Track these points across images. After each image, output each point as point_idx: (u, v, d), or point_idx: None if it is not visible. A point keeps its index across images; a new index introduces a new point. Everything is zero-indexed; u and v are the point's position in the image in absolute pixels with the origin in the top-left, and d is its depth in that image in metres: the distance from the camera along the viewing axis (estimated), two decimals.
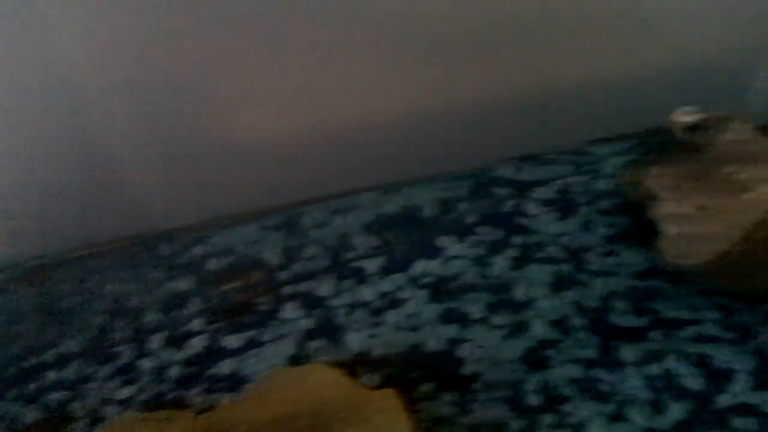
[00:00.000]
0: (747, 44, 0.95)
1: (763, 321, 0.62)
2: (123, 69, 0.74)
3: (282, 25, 0.77)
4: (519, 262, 0.70)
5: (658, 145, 0.76)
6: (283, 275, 0.72)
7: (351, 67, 0.83)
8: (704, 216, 0.64)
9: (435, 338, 0.64)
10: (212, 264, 0.75)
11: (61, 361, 0.68)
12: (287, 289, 0.71)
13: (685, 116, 0.74)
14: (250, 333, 0.67)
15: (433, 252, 0.72)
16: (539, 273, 0.69)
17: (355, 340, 0.65)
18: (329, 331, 0.66)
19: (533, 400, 0.59)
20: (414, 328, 0.66)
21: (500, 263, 0.70)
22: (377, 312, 0.67)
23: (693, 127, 0.76)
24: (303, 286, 0.71)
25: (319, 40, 0.78)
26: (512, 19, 0.84)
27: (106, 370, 0.67)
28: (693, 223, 0.64)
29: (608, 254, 0.70)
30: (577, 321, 0.64)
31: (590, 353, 0.61)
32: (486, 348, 0.63)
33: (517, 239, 0.73)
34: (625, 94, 0.93)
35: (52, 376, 0.67)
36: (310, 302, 0.69)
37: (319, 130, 0.88)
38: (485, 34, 0.85)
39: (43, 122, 0.75)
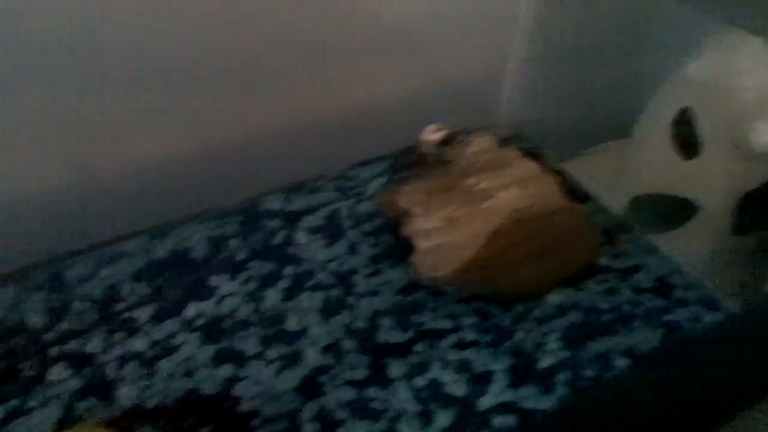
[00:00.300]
0: (492, 64, 1.01)
1: (515, 321, 0.67)
2: None
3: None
4: (291, 293, 0.71)
5: (410, 163, 0.79)
6: (49, 336, 0.69)
7: (109, 114, 0.81)
8: (451, 227, 0.68)
9: (210, 380, 0.64)
10: None
11: None
12: (54, 351, 0.68)
13: (432, 133, 0.78)
14: (13, 402, 0.63)
15: (206, 293, 0.72)
16: (310, 301, 0.70)
17: (127, 394, 0.64)
18: (100, 388, 0.64)
19: (310, 428, 0.59)
20: (189, 373, 0.65)
21: (272, 296, 0.71)
22: (150, 361, 0.66)
23: (442, 143, 0.80)
24: (70, 345, 0.68)
25: (65, 89, 0.75)
26: (271, 51, 0.85)
27: None
28: (441, 235, 0.67)
29: (373, 274, 0.72)
30: (348, 344, 0.66)
31: (362, 373, 0.63)
32: (262, 383, 0.64)
33: (289, 270, 0.74)
34: (382, 117, 0.96)
35: None
36: (79, 361, 0.67)
37: (78, 178, 0.85)
38: (245, 74, 0.86)
39: None
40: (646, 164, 0.87)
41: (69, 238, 0.81)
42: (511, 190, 0.69)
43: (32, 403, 0.63)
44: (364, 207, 0.79)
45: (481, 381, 0.61)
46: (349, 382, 0.62)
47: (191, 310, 0.70)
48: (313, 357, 0.64)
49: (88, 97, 0.77)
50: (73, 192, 0.84)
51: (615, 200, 0.89)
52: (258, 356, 0.65)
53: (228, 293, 0.71)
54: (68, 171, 0.83)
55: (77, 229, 0.83)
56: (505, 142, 0.82)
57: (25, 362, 0.66)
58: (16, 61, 0.71)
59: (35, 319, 0.71)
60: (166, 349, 0.67)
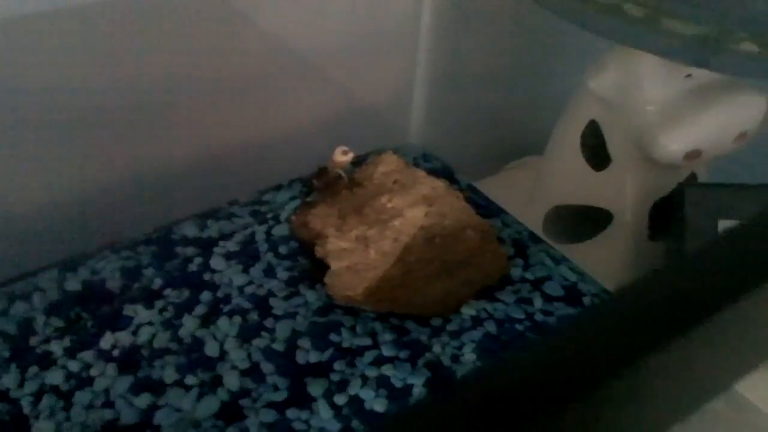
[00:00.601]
0: (399, 88, 1.04)
1: (431, 335, 0.68)
2: None
3: None
4: (208, 319, 0.71)
5: (321, 185, 0.80)
6: None
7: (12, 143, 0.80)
8: (362, 247, 0.69)
9: (129, 411, 0.64)
10: None
11: None
12: None
13: (341, 156, 0.79)
14: None
15: (122, 323, 0.72)
16: (228, 326, 0.70)
17: (44, 428, 0.62)
18: (16, 424, 0.63)
19: None
20: (107, 404, 0.65)
21: (189, 323, 0.71)
22: (67, 394, 0.65)
23: (352, 164, 0.81)
24: None
25: None
26: (180, 81, 0.85)
27: None
28: (353, 255, 0.69)
29: (290, 296, 0.73)
30: (267, 366, 0.66)
31: (282, 395, 0.64)
32: (182, 410, 0.63)
33: (206, 296, 0.74)
34: (296, 143, 0.97)
35: None
36: None
37: None
38: (153, 106, 0.86)
39: None
40: (561, 177, 0.90)
41: None
42: (419, 207, 0.71)
43: None
44: (279, 230, 0.80)
45: (400, 396, 0.62)
46: (270, 404, 0.62)
47: (107, 340, 0.69)
48: (233, 381, 0.65)
49: None
50: None
51: (532, 213, 0.92)
52: (177, 383, 0.65)
53: (144, 322, 0.71)
54: None
55: None
56: (413, 162, 0.84)
57: None
58: None
59: None
60: (83, 380, 0.66)
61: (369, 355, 0.66)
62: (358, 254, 0.68)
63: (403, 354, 0.66)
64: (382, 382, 0.64)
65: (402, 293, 0.68)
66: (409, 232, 0.68)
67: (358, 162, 0.83)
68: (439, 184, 0.73)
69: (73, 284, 0.77)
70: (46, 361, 0.69)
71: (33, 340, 0.71)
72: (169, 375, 0.66)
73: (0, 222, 0.84)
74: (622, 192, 0.88)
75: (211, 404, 0.63)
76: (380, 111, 1.02)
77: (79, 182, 0.88)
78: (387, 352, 0.66)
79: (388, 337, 0.68)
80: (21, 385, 0.67)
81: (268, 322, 0.70)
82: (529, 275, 0.74)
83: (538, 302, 0.71)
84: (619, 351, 0.27)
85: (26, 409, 0.64)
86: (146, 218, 0.86)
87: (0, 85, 0.73)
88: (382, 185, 0.76)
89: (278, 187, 0.88)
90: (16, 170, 0.80)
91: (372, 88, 1.00)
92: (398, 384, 0.63)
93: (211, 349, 0.68)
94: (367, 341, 0.67)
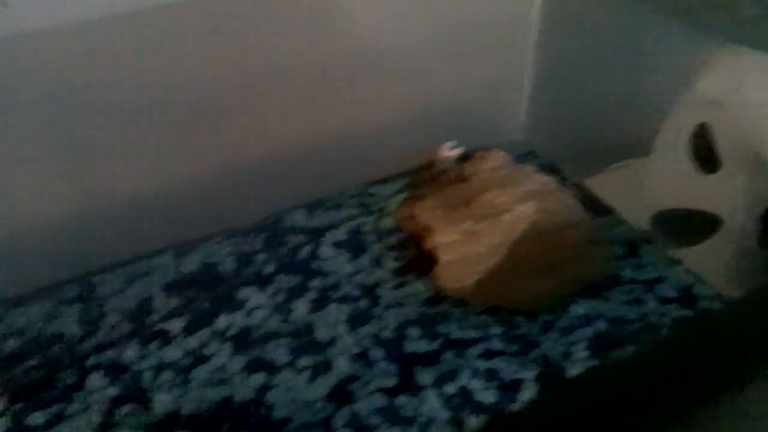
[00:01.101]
0: (503, 85, 1.03)
1: (541, 331, 0.68)
2: None
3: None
4: (318, 305, 0.72)
5: (429, 179, 0.81)
6: (85, 346, 0.71)
7: (138, 136, 0.82)
8: (471, 240, 0.69)
9: (243, 389, 0.65)
10: (10, 344, 0.71)
11: None
12: (91, 360, 0.69)
13: (448, 151, 0.79)
14: (55, 408, 0.65)
15: (235, 305, 0.73)
16: (338, 312, 0.71)
17: (163, 402, 0.65)
18: (136, 395, 0.66)
19: None
20: (222, 382, 0.66)
21: (300, 308, 0.72)
22: (184, 370, 0.67)
23: (458, 160, 0.82)
24: (106, 355, 0.70)
25: (99, 114, 0.77)
26: (287, 73, 0.87)
27: None
28: (462, 248, 0.69)
29: (398, 286, 0.73)
30: (376, 353, 0.67)
31: (391, 381, 0.64)
32: (294, 391, 0.65)
33: (315, 283, 0.75)
34: (400, 137, 0.98)
35: None
36: (115, 370, 0.68)
37: (109, 200, 0.86)
38: (266, 93, 0.88)
39: None
40: (667, 180, 0.88)
41: (97, 255, 0.82)
42: (528, 203, 0.71)
43: (73, 409, 0.64)
44: (386, 222, 0.81)
45: (510, 389, 0.62)
46: (380, 390, 0.63)
47: (222, 321, 0.71)
48: (342, 366, 0.65)
49: (112, 124, 0.79)
50: (99, 212, 0.85)
51: (637, 215, 0.90)
52: (289, 365, 0.66)
53: (257, 305, 0.72)
54: (93, 193, 0.84)
55: (105, 247, 0.84)
56: (520, 159, 0.84)
57: (64, 371, 0.67)
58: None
59: (72, 330, 0.72)
60: (199, 358, 0.68)
61: (478, 348, 0.66)
62: (467, 247, 0.69)
63: (512, 348, 0.66)
64: (492, 374, 0.64)
65: (509, 288, 0.68)
66: (519, 227, 0.68)
67: (463, 157, 0.83)
68: (549, 181, 0.73)
69: (189, 266, 0.79)
70: (165, 338, 0.71)
71: (152, 318, 0.73)
72: (281, 357, 0.68)
73: (119, 206, 0.87)
74: (732, 197, 0.86)
75: (321, 386, 0.65)
76: (485, 107, 1.02)
77: (192, 171, 0.91)
78: (496, 345, 0.66)
79: (496, 330, 0.68)
80: (141, 359, 0.69)
81: (377, 311, 0.71)
82: (640, 276, 0.73)
83: (651, 303, 0.70)
84: (737, 364, 0.26)
85: (146, 383, 0.67)
86: (257, 207, 0.88)
87: (121, 83, 0.75)
88: (490, 181, 0.76)
89: (384, 180, 0.88)
90: (137, 159, 0.83)
91: (478, 84, 1.00)
92: (508, 377, 0.63)
93: (321, 334, 0.69)
94: (476, 334, 0.67)
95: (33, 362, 0.69)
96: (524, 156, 0.88)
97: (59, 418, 0.63)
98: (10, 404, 0.64)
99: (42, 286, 0.78)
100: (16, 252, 0.79)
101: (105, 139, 0.78)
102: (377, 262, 0.75)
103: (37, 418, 0.63)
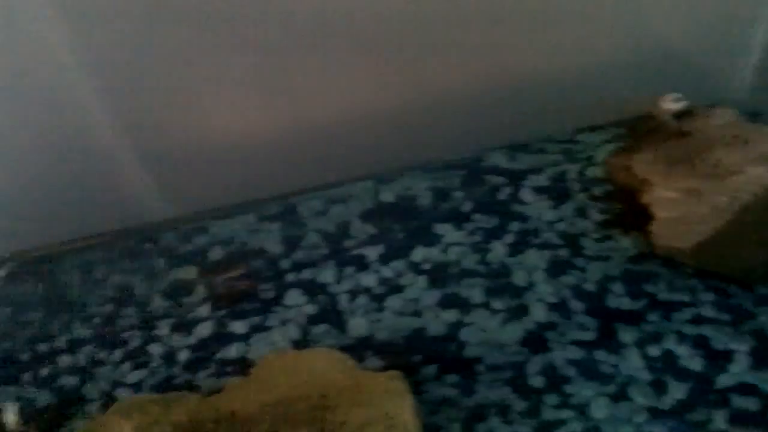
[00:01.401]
0: (733, 38, 0.95)
1: (759, 302, 0.63)
2: (113, 69, 0.74)
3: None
4: (517, 248, 0.71)
5: (647, 131, 0.76)
6: (285, 263, 0.72)
7: (341, 60, 0.82)
8: (693, 199, 0.64)
9: (436, 323, 0.65)
10: (214, 253, 0.74)
11: (73, 347, 0.67)
12: (289, 277, 0.71)
13: (671, 103, 0.74)
14: (255, 319, 0.67)
15: (432, 239, 0.73)
16: (537, 258, 0.69)
17: (358, 326, 0.66)
18: (332, 316, 0.67)
19: (536, 381, 0.59)
20: (415, 313, 0.66)
21: (498, 249, 0.71)
22: (379, 298, 0.68)
23: (680, 114, 0.76)
24: (305, 274, 0.71)
25: (302, 35, 0.77)
26: (500, 7, 0.84)
27: (116, 355, 0.66)
28: (683, 206, 0.64)
29: (603, 239, 0.70)
30: (575, 304, 0.64)
31: (590, 335, 0.62)
32: (487, 331, 0.64)
33: (514, 226, 0.73)
34: (607, 83, 0.93)
35: (64, 360, 0.66)
36: (312, 289, 0.69)
37: (310, 123, 0.87)
38: (475, 24, 0.85)
39: (42, 119, 0.75)
40: None
41: (298, 177, 0.84)
42: (761, 167, 0.65)
43: (270, 322, 0.66)
44: (593, 171, 0.77)
45: (719, 359, 0.58)
46: (577, 342, 0.61)
47: (418, 254, 0.71)
48: (539, 313, 0.64)
49: (318, 46, 0.79)
50: (302, 134, 0.86)
51: None
52: (483, 305, 0.65)
53: (454, 242, 0.72)
54: (296, 115, 0.85)
55: (306, 169, 0.85)
56: (751, 118, 0.77)
57: (265, 284, 0.69)
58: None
59: (273, 246, 0.74)
60: (394, 287, 0.68)
61: (686, 312, 0.62)
62: (688, 206, 0.64)
63: (724, 317, 0.61)
64: (701, 341, 0.60)
65: (730, 254, 0.63)
66: (749, 191, 0.63)
67: (686, 112, 0.78)
68: None
69: (386, 196, 0.79)
70: (361, 264, 0.71)
71: (349, 243, 0.74)
72: (476, 296, 0.67)
73: (322, 130, 0.88)
74: None
75: (516, 330, 0.63)
76: (708, 59, 0.95)
77: (394, 101, 0.90)
78: (707, 312, 0.62)
79: (708, 296, 0.63)
80: (338, 282, 0.69)
81: (579, 262, 0.68)
82: None
83: None
84: None
85: (342, 305, 0.67)
86: (457, 144, 0.86)
87: (329, 5, 0.75)
88: (715, 139, 0.71)
89: (593, 128, 0.84)
90: (340, 85, 0.83)
91: (704, 30, 0.92)
92: (718, 346, 0.59)
93: (518, 278, 0.67)
94: (685, 297, 0.63)
95: (235, 273, 0.71)
96: (756, 115, 0.81)
97: (258, 329, 0.65)
98: (214, 310, 0.67)
99: (244, 201, 0.80)
100: (220, 167, 0.82)
101: (309, 62, 0.78)
102: (581, 212, 0.72)
103: (239, 327, 0.65)
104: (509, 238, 0.71)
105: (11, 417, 0.61)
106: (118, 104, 0.75)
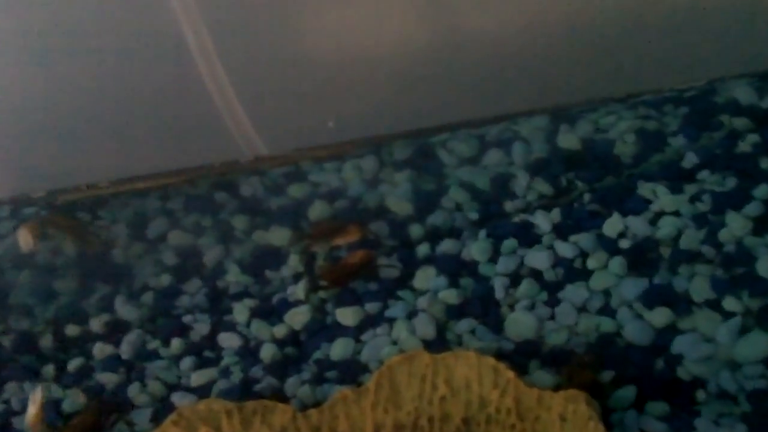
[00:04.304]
0: None
1: None
2: None
3: None
4: (764, 224, 0.69)
5: None
6: (416, 230, 0.74)
7: None
8: None
9: (637, 327, 0.65)
10: (315, 210, 0.76)
11: (114, 332, 0.70)
12: (422, 249, 0.72)
13: None
14: (371, 306, 0.68)
15: (634, 205, 0.73)
16: None
17: (520, 324, 0.66)
18: (483, 308, 0.67)
19: None
20: (606, 311, 0.66)
21: (735, 224, 0.70)
22: (552, 286, 0.68)
23: None
24: (444, 246, 0.72)
25: None
26: None
27: (174, 346, 0.68)
28: None
29: None
30: None
31: None
32: (714, 343, 0.63)
33: (761, 191, 0.71)
34: None
35: (101, 350, 0.69)
36: (455, 268, 0.70)
37: (457, 39, 0.87)
38: None
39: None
40: None
41: (438, 108, 0.84)
42: None
43: (393, 311, 0.68)
44: None
45: None
46: None
47: (613, 224, 0.71)
48: None
49: None
50: (444, 53, 0.86)
51: None
52: (710, 304, 0.64)
53: (667, 210, 0.71)
54: (446, 32, 0.85)
55: (450, 97, 0.85)
56: None
57: (387, 257, 0.71)
58: None
59: (399, 204, 0.75)
60: (575, 272, 0.68)
61: None
62: None
63: None
64: None
65: None
66: None
67: None
68: None
69: (567, 140, 0.79)
70: (528, 236, 0.72)
71: (509, 205, 0.74)
72: (700, 290, 0.66)
73: (476, 48, 0.88)
74: None
75: (759, 344, 0.62)
76: None
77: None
78: None
79: None
80: (493, 260, 0.70)
81: None
82: None
83: None
84: None
85: (498, 293, 0.68)
86: (674, 69, 0.84)
87: None
88: None
89: None
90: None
91: None
92: None
93: (765, 268, 0.65)
94: None
95: (344, 240, 0.73)
96: None
97: (375, 321, 0.68)
98: (312, 291, 0.68)
99: (360, 138, 0.80)
100: (329, 92, 0.83)
101: None
102: None
103: (347, 316, 0.68)
104: (753, 209, 0.70)
105: (31, 411, 0.63)
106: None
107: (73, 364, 0.69)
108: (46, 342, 0.71)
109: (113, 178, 0.79)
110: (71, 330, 0.71)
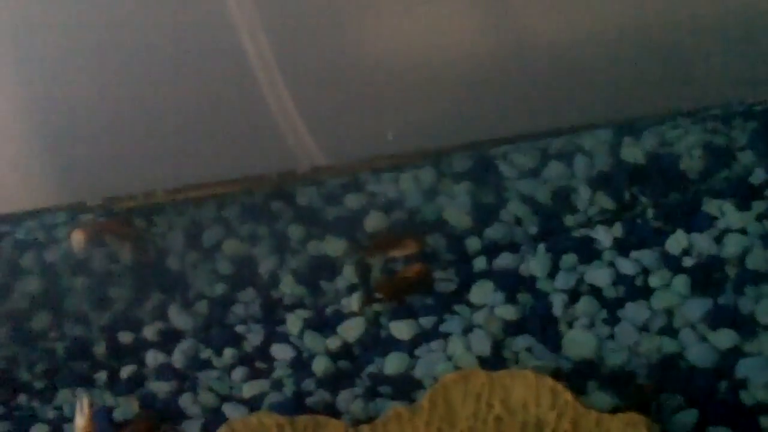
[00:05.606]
0: None
1: None
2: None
3: None
4: None
5: None
6: (473, 243, 0.73)
7: None
8: None
9: (701, 348, 0.63)
10: (372, 221, 0.75)
11: (167, 340, 0.70)
12: (479, 263, 0.71)
13: None
14: (426, 320, 0.68)
15: (697, 221, 0.71)
16: None
17: (579, 342, 0.65)
18: (541, 326, 0.67)
19: None
20: (669, 331, 0.65)
21: None
22: (613, 303, 0.67)
23: None
24: (502, 261, 0.71)
25: None
26: None
27: (226, 356, 0.68)
28: None
29: None
30: None
31: None
32: None
33: None
34: None
35: (154, 358, 0.69)
36: (513, 283, 0.69)
37: (522, 48, 0.86)
38: None
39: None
40: None
41: (498, 120, 0.83)
42: None
43: (448, 326, 0.68)
44: None
45: None
46: None
47: (677, 242, 0.70)
48: None
49: None
50: (507, 63, 0.85)
51: None
52: None
53: (735, 228, 0.70)
54: (506, 39, 0.84)
55: (513, 110, 0.84)
56: None
57: (443, 271, 0.71)
58: None
59: (457, 216, 0.75)
60: (638, 290, 0.67)
61: None
62: None
63: None
64: None
65: None
66: None
67: None
68: None
69: (632, 153, 0.78)
70: (588, 251, 0.71)
71: (570, 219, 0.74)
72: (766, 312, 0.64)
73: (537, 57, 0.87)
74: None
75: None
76: None
77: (641, 19, 0.88)
78: None
79: None
80: (552, 275, 0.69)
81: None
82: None
83: None
84: None
85: (557, 310, 0.67)
86: (739, 81, 0.83)
87: None
88: None
89: None
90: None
91: None
92: None
93: None
94: None
95: (400, 252, 0.73)
96: None
97: (430, 336, 0.67)
98: (366, 304, 0.68)
99: (419, 150, 0.80)
100: (388, 102, 0.82)
101: None
102: None
103: (402, 330, 0.68)
104: None
105: (78, 423, 0.63)
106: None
107: (126, 371, 0.68)
108: (100, 349, 0.70)
109: (170, 186, 0.79)
110: (124, 337, 0.71)
